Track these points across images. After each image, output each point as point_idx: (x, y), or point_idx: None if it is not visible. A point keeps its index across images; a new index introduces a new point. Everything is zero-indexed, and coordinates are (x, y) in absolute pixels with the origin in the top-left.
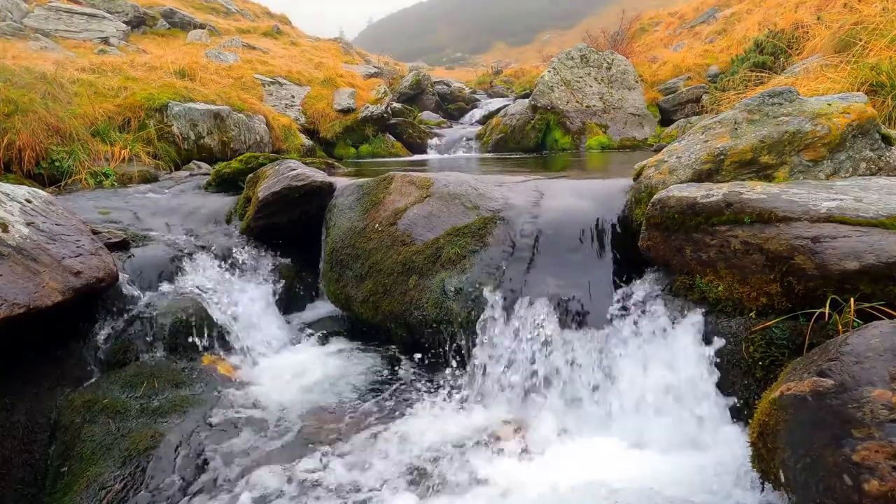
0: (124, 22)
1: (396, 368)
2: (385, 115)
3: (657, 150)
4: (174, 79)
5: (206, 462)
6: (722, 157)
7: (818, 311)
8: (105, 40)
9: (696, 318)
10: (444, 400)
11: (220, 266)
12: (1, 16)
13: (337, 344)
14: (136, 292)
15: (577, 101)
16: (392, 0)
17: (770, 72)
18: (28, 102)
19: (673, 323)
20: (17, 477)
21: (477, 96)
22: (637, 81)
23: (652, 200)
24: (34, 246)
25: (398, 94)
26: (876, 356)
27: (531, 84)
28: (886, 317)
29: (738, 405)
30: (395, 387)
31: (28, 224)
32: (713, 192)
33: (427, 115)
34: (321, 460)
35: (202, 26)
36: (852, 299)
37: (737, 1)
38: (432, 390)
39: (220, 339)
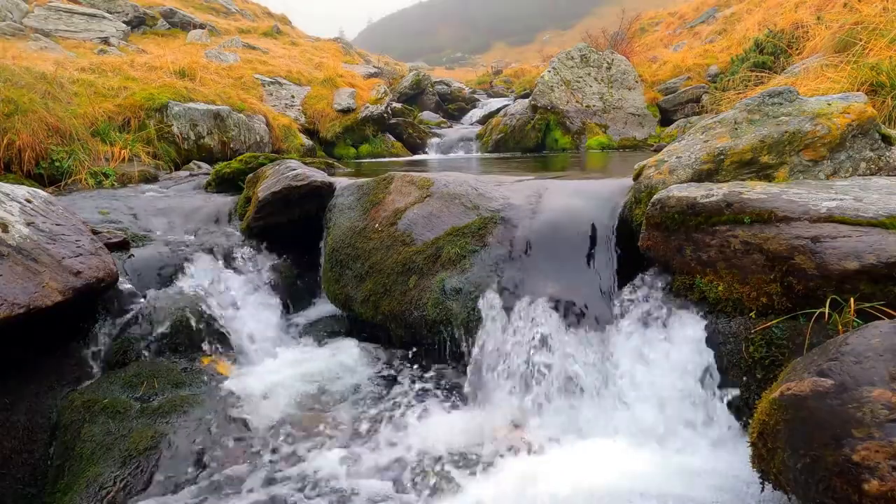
0: (124, 22)
1: (396, 368)
2: (385, 115)
3: (657, 150)
4: (174, 79)
5: (206, 462)
6: (722, 157)
7: (818, 311)
8: (105, 40)
9: (696, 318)
10: (444, 400)
11: (219, 266)
12: (1, 16)
13: (337, 344)
14: (136, 292)
15: (577, 101)
16: (392, 0)
17: (770, 72)
18: (28, 102)
19: (673, 323)
20: (17, 477)
21: (477, 96)
22: (637, 81)
23: (652, 200)
24: (34, 246)
25: (398, 94)
26: (876, 356)
27: (531, 84)
28: (886, 317)
29: (738, 405)
30: (394, 387)
31: (28, 224)
32: (713, 192)
33: (427, 115)
34: (321, 460)
35: (202, 26)
36: (852, 299)
37: (737, 1)
38: (432, 390)
39: (220, 339)
